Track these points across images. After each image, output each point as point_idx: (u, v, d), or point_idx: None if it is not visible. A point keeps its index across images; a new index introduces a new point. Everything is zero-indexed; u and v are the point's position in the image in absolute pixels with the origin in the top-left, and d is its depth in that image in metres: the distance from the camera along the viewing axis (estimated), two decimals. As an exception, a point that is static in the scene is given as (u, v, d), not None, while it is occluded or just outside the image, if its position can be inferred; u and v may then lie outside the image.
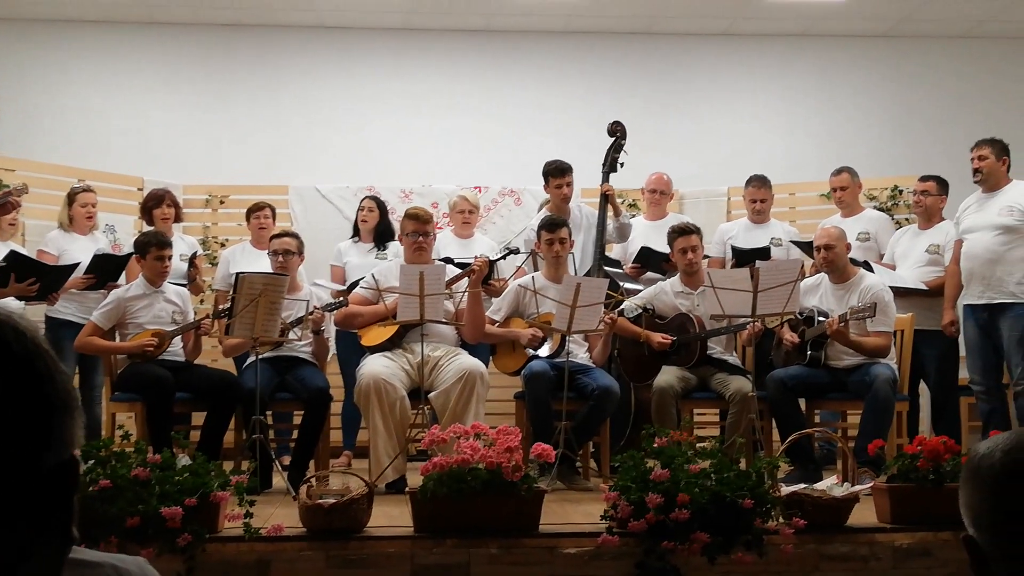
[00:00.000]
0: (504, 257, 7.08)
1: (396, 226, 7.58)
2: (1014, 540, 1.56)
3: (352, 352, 7.15)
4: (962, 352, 7.32)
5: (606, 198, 7.51)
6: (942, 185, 7.55)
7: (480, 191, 9.13)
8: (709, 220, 8.54)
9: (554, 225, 6.74)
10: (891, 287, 6.72)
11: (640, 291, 7.12)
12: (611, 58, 10.40)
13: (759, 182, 8.09)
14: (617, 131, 7.69)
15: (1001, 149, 6.95)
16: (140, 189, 8.58)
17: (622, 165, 7.63)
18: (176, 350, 6.61)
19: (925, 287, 7.22)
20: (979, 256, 6.83)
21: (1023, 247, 6.77)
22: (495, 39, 10.32)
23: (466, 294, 6.45)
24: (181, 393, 6.35)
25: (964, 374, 7.36)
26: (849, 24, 10.27)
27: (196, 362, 6.81)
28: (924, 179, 7.59)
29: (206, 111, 10.01)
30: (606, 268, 7.39)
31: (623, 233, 7.65)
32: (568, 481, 6.21)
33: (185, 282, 7.34)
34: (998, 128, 7.75)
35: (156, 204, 7.60)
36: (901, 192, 8.78)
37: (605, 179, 7.59)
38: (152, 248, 6.59)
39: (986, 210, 6.90)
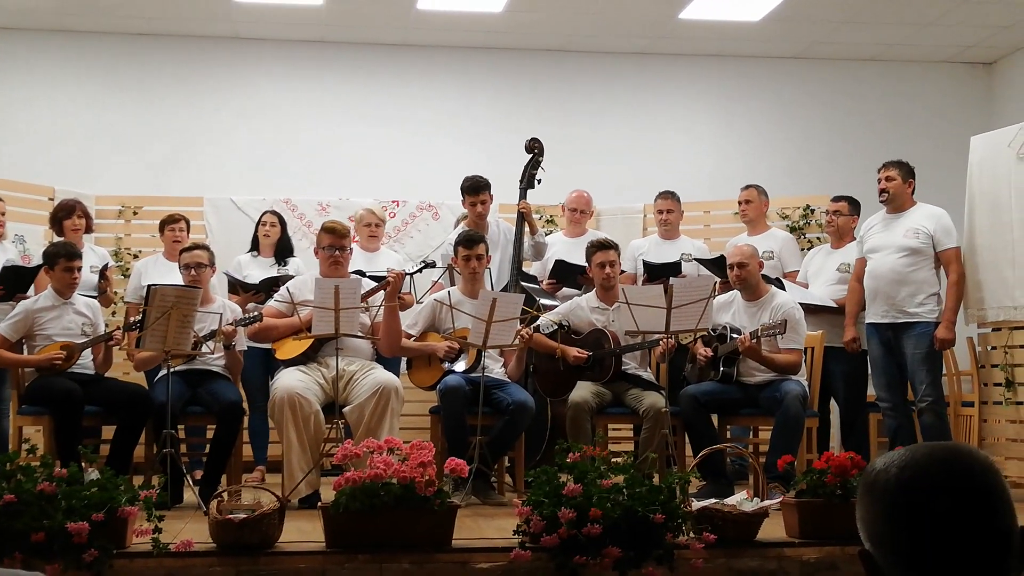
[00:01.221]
0: (420, 271, 7.06)
1: (312, 239, 7.54)
2: (908, 554, 1.59)
3: (256, 366, 7.10)
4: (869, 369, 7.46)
5: (523, 215, 7.55)
6: (854, 205, 7.71)
7: (398, 205, 9.13)
8: (626, 237, 8.61)
9: (471, 241, 6.75)
10: (802, 304, 6.83)
11: (556, 307, 7.15)
12: (529, 75, 10.46)
13: (667, 195, 8.21)
14: (535, 148, 7.73)
15: (907, 172, 7.11)
16: (51, 199, 8.42)
17: (539, 182, 7.67)
18: (86, 363, 6.51)
19: (835, 305, 7.35)
20: (884, 276, 6.96)
21: (927, 268, 6.93)
22: (414, 53, 10.32)
23: (382, 308, 6.43)
24: (90, 406, 6.26)
25: (871, 391, 7.51)
26: (763, 45, 10.44)
27: (107, 375, 6.71)
28: (836, 199, 7.75)
29: (120, 121, 9.88)
30: (523, 284, 7.42)
31: (538, 251, 7.70)
32: (482, 496, 6.21)
33: (95, 294, 7.23)
34: (906, 150, 7.93)
35: (67, 215, 7.48)
36: (813, 211, 8.95)
37: (523, 196, 7.63)
38: (61, 259, 6.49)
39: (891, 231, 7.04)
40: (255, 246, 7.85)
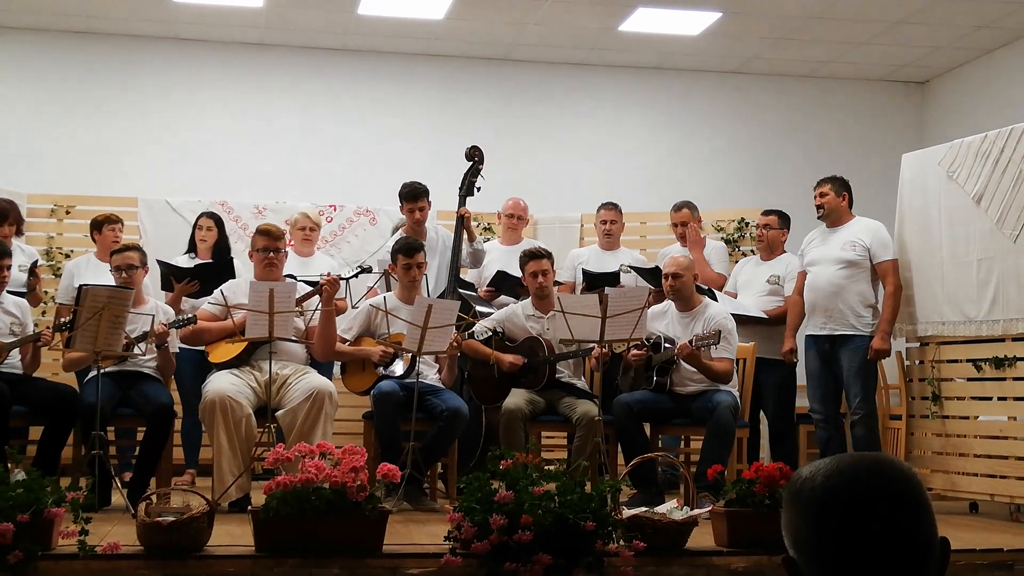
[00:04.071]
0: (356, 275, 7.04)
1: (247, 241, 7.48)
2: (832, 562, 1.62)
3: (191, 369, 7.04)
4: (800, 381, 7.55)
5: (462, 221, 7.55)
6: (783, 219, 7.81)
7: (335, 209, 9.09)
8: (563, 246, 8.66)
9: (412, 249, 6.73)
10: (733, 315, 6.90)
11: (492, 314, 7.16)
12: (470, 83, 10.49)
13: (611, 206, 8.26)
14: (475, 155, 7.74)
15: (841, 186, 7.21)
16: (-19, 196, 8.28)
17: (479, 189, 7.68)
18: (14, 362, 6.41)
19: (766, 316, 7.44)
20: (822, 289, 7.06)
21: (863, 281, 7.03)
22: (353, 58, 10.31)
23: (317, 312, 6.40)
24: (18, 406, 6.16)
25: (802, 403, 7.59)
26: (701, 60, 10.55)
27: (35, 375, 6.61)
28: (766, 213, 7.86)
29: (54, 118, 9.76)
30: (460, 291, 7.42)
31: (476, 258, 7.71)
32: (414, 502, 6.20)
33: (24, 291, 7.12)
34: (839, 166, 8.05)
35: None
36: (747, 224, 9.04)
37: (462, 202, 7.63)
38: (-11, 258, 6.39)
39: (829, 244, 7.14)
40: (192, 248, 7.77)
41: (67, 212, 8.83)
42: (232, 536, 4.87)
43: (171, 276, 7.26)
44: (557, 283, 7.42)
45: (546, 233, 9.23)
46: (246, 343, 6.28)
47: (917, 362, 7.18)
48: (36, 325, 6.81)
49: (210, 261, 7.42)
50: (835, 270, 7.04)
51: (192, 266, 7.34)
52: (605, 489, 4.74)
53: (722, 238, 8.97)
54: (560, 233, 9.36)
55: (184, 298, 7.22)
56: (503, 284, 7.63)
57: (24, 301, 6.77)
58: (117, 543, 4.40)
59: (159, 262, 7.31)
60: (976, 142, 6.73)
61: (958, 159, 6.80)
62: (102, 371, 5.97)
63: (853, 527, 1.60)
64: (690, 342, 6.41)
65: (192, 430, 7.24)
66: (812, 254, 7.23)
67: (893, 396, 8.05)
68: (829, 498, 1.64)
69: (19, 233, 7.60)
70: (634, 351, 6.71)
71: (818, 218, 7.25)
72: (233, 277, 7.06)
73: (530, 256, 6.93)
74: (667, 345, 6.65)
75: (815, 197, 7.25)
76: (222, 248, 7.69)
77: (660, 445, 6.93)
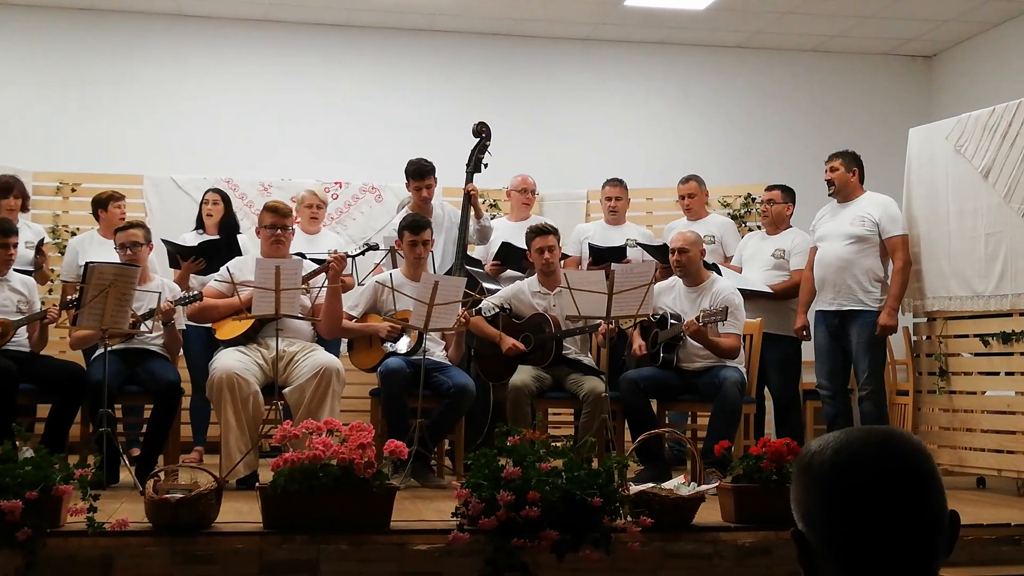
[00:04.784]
0: (363, 253, 7.04)
1: (253, 219, 7.48)
2: (841, 535, 1.62)
3: (200, 346, 7.04)
4: (806, 357, 7.54)
5: (469, 198, 7.54)
6: (787, 193, 7.78)
7: (340, 186, 9.07)
8: (568, 222, 8.64)
9: (418, 226, 6.72)
10: (738, 290, 6.89)
11: (499, 290, 7.16)
12: (474, 58, 10.45)
13: (615, 183, 8.25)
14: (482, 132, 7.72)
15: (851, 160, 7.18)
16: (-13, 174, 8.28)
17: (486, 166, 7.67)
18: (21, 340, 6.41)
19: (770, 291, 7.42)
20: (831, 264, 7.04)
21: (873, 256, 7.01)
22: (358, 35, 10.27)
23: (323, 289, 6.40)
24: (26, 384, 6.17)
25: (808, 378, 7.59)
26: (707, 34, 10.50)
27: (42, 353, 6.62)
28: (770, 188, 7.84)
29: (60, 96, 9.75)
30: (467, 267, 7.41)
31: (483, 235, 7.69)
32: (422, 479, 6.22)
33: (31, 269, 7.13)
34: (845, 141, 8.01)
35: (3, 195, 7.36)
36: (754, 200, 9.01)
37: (469, 179, 7.61)
38: (-5, 236, 6.39)
39: (839, 219, 7.12)
40: (200, 224, 7.77)
41: (72, 190, 8.83)
42: (240, 513, 4.88)
43: (177, 255, 7.26)
44: (564, 257, 7.41)
45: (552, 209, 9.21)
46: (253, 320, 6.28)
47: (924, 337, 7.18)
48: (43, 303, 6.81)
49: (215, 238, 7.42)
50: (844, 245, 7.02)
51: (197, 244, 7.33)
52: (612, 465, 4.74)
53: (728, 214, 8.94)
54: (566, 209, 9.35)
55: (192, 276, 7.22)
56: (508, 256, 7.61)
57: (31, 279, 6.77)
58: (125, 520, 4.41)
59: (164, 241, 7.31)
60: (984, 116, 6.70)
61: (965, 133, 6.77)
62: (109, 349, 5.97)
63: (862, 501, 1.59)
64: (697, 318, 6.40)
65: (202, 407, 7.24)
66: (822, 229, 7.21)
67: (900, 372, 8.04)
68: (838, 472, 1.63)
69: (24, 209, 7.60)
70: (636, 344, 6.73)
71: (829, 194, 7.22)
72: (239, 254, 7.06)
73: (536, 232, 6.92)
74: (673, 321, 6.64)
75: (826, 172, 7.21)
76: (229, 224, 7.68)
77: (667, 421, 6.93)
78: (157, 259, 7.22)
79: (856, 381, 7.16)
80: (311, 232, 7.83)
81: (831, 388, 7.14)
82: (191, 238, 7.60)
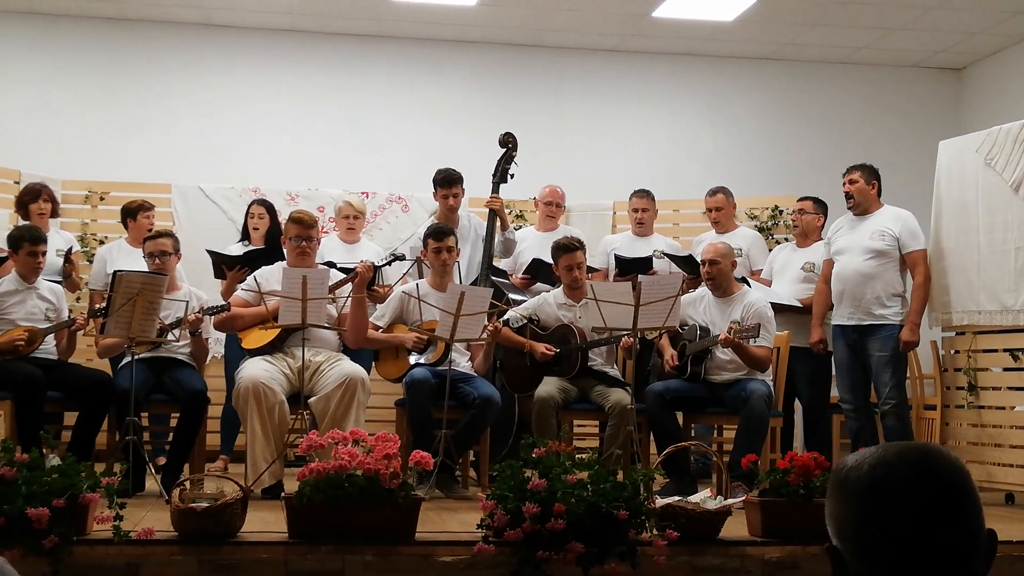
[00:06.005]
0: (389, 263, 7.05)
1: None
2: (877, 551, 1.60)
3: (239, 355, 7.05)
4: (833, 371, 7.49)
5: (494, 211, 7.53)
6: (819, 205, 7.75)
7: (367, 196, 9.07)
8: (594, 233, 8.63)
9: (441, 234, 6.72)
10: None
11: (525, 301, 7.14)
12: (502, 69, 10.46)
13: (642, 194, 8.23)
14: (509, 143, 7.72)
15: (870, 174, 7.14)
16: (17, 182, 8.34)
17: (512, 176, 7.66)
18: (49, 348, 6.45)
19: (800, 304, 7.38)
20: (850, 278, 6.99)
21: (892, 270, 6.96)
22: (386, 44, 10.29)
23: (349, 299, 6.40)
24: (53, 392, 6.20)
25: (835, 392, 7.54)
26: (735, 46, 10.47)
27: (70, 361, 6.65)
28: (802, 199, 7.82)
29: (89, 105, 9.80)
30: (493, 278, 7.40)
31: (508, 248, 7.69)
32: (447, 490, 6.21)
33: (60, 278, 7.16)
34: (874, 153, 7.98)
35: (32, 199, 7.41)
36: (781, 212, 8.97)
37: (495, 190, 7.61)
38: (25, 243, 6.43)
39: (857, 233, 7.07)
40: (245, 236, 7.78)
41: (101, 198, 8.86)
42: (265, 522, 4.89)
43: (222, 264, 7.28)
44: (591, 269, 7.38)
45: (578, 221, 9.19)
46: (279, 330, 6.29)
47: (952, 351, 7.12)
48: (71, 311, 6.84)
49: (259, 248, 7.42)
50: (863, 259, 6.97)
51: (242, 254, 7.35)
52: (638, 478, 4.72)
53: (755, 226, 8.91)
54: (592, 221, 9.33)
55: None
56: (539, 272, 7.57)
57: (59, 287, 6.80)
58: (151, 528, 4.42)
59: (209, 252, 7.34)
60: (1014, 129, 6.65)
61: (996, 146, 6.72)
62: (136, 357, 6.00)
63: (899, 518, 1.58)
64: (729, 330, 6.36)
65: (233, 416, 7.24)
66: (839, 243, 7.15)
67: (928, 386, 7.99)
68: (875, 488, 1.62)
69: (55, 215, 7.65)
70: (668, 354, 6.69)
71: (848, 207, 7.17)
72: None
73: (563, 249, 6.86)
74: (702, 333, 6.62)
75: (844, 184, 7.17)
76: (276, 234, 7.66)
77: (693, 434, 6.90)
78: (192, 270, 7.24)
79: (877, 396, 7.10)
80: (350, 242, 7.84)
81: (853, 402, 7.09)
82: (236, 250, 7.61)
